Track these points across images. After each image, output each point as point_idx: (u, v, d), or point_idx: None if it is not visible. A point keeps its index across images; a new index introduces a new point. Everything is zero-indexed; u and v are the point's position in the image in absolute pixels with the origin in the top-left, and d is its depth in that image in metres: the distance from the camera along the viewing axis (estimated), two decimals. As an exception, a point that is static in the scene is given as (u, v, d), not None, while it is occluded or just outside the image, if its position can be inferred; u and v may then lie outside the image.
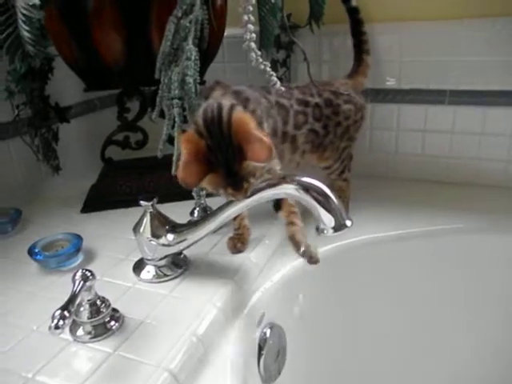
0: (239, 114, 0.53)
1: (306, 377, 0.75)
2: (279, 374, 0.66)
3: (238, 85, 0.66)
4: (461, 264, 0.82)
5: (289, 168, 0.75)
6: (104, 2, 0.73)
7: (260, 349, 0.62)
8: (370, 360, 0.82)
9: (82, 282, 0.51)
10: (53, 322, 0.45)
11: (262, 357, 0.62)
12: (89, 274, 0.52)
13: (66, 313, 0.46)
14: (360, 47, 0.87)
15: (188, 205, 0.80)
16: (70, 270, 0.67)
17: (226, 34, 0.88)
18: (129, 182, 0.90)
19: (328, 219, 0.53)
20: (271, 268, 0.70)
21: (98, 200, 0.88)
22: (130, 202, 0.84)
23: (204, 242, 0.72)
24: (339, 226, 0.53)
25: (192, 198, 0.78)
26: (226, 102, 0.55)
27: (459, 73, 0.91)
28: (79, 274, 0.51)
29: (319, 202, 0.53)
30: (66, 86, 0.96)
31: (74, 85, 0.96)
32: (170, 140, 0.74)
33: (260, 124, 0.61)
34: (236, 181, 0.53)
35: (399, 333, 0.83)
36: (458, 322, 0.85)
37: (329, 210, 0.53)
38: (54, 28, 0.74)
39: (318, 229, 0.54)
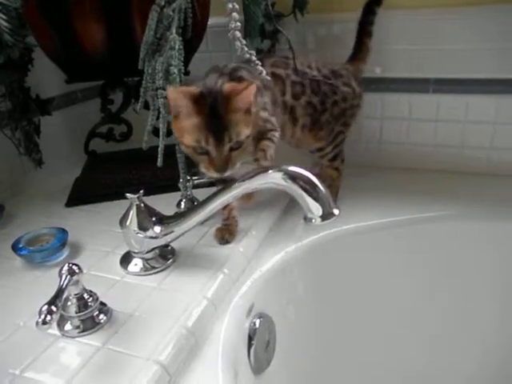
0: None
1: (296, 366, 0.75)
2: (269, 364, 0.66)
3: (234, 63, 0.68)
4: (447, 250, 0.83)
5: (290, 145, 0.77)
6: (84, -9, 0.72)
7: (250, 339, 0.62)
8: (359, 349, 0.82)
9: (68, 277, 0.50)
10: (40, 317, 0.45)
11: (252, 347, 0.62)
12: (75, 267, 0.51)
13: (53, 307, 0.45)
14: (364, 27, 0.85)
15: (174, 196, 0.79)
16: (56, 264, 0.66)
17: (209, 23, 0.87)
18: (113, 174, 0.89)
19: (316, 208, 0.53)
20: (260, 258, 0.70)
21: (83, 193, 0.87)
22: (115, 194, 0.83)
23: (191, 234, 0.71)
24: (327, 215, 0.53)
25: (178, 189, 0.77)
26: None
27: (443, 61, 0.91)
28: (66, 268, 0.51)
29: (306, 191, 0.53)
30: (46, 77, 0.93)
31: (55, 76, 0.94)
32: (155, 131, 0.73)
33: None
34: (219, 129, 0.55)
35: (389, 321, 0.84)
36: (448, 308, 0.86)
37: (316, 198, 0.53)
38: (33, 17, 0.72)
39: (305, 218, 0.54)
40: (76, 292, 0.52)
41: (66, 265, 0.51)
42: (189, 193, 0.76)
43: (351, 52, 0.87)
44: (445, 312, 0.86)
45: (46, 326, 0.44)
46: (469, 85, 0.91)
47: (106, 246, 0.71)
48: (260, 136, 0.67)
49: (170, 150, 0.70)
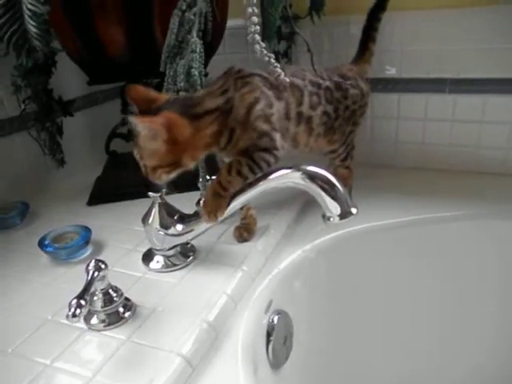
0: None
1: (312, 361, 0.76)
2: (287, 359, 0.68)
3: (250, 70, 0.66)
4: (462, 250, 0.83)
5: (303, 153, 0.75)
6: (107, -6, 0.74)
7: (268, 335, 0.63)
8: (371, 345, 0.83)
9: (95, 272, 0.52)
10: (70, 310, 0.47)
11: (271, 343, 0.63)
12: (101, 264, 0.53)
13: (82, 301, 0.47)
14: (369, 33, 0.86)
15: (194, 195, 0.81)
16: (80, 261, 0.69)
17: (226, 25, 0.89)
18: (134, 174, 0.90)
19: (334, 207, 0.54)
20: (277, 256, 0.72)
21: (104, 192, 0.89)
22: (136, 194, 0.86)
23: (211, 232, 0.73)
24: (345, 214, 0.54)
25: (198, 189, 0.79)
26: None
27: (459, 61, 0.92)
28: (92, 264, 0.53)
29: (325, 191, 0.54)
30: (68, 79, 0.96)
31: (76, 78, 0.97)
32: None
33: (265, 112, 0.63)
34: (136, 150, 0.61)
35: (403, 319, 0.85)
36: (458, 307, 0.87)
37: (335, 198, 0.54)
38: (58, 21, 0.74)
39: (324, 216, 0.55)
40: (102, 287, 0.54)
41: (93, 261, 0.53)
42: (208, 192, 0.78)
43: (355, 54, 0.87)
44: (455, 310, 0.87)
45: (75, 319, 0.46)
46: (485, 85, 0.91)
47: (127, 243, 0.73)
48: (247, 151, 0.62)
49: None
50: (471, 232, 0.83)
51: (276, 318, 0.65)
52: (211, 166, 0.78)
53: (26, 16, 0.59)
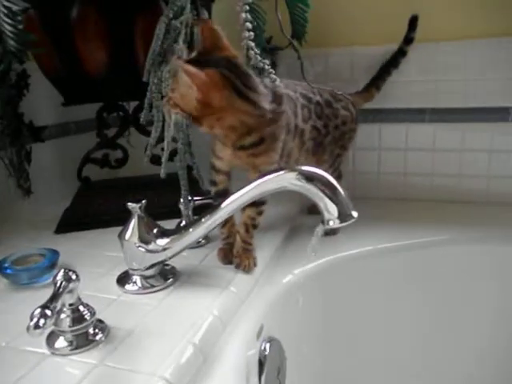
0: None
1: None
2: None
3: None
4: (447, 274, 0.82)
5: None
6: (88, 11, 0.72)
7: (261, 364, 0.56)
8: (369, 373, 0.77)
9: (63, 283, 0.45)
10: (32, 320, 0.39)
11: (264, 373, 0.56)
12: (72, 274, 0.46)
13: (47, 311, 0.40)
14: (376, 81, 0.90)
15: (173, 223, 0.75)
16: (44, 286, 0.60)
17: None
18: (107, 201, 0.84)
19: (333, 210, 0.50)
20: (267, 279, 0.66)
21: (74, 219, 0.82)
22: (109, 222, 0.79)
23: (193, 255, 0.68)
24: (345, 217, 0.50)
25: (175, 216, 0.74)
26: None
27: (438, 91, 0.93)
28: (61, 273, 0.45)
29: (324, 193, 0.50)
30: (41, 105, 0.91)
31: (49, 105, 0.93)
32: (153, 159, 0.71)
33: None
34: None
35: (395, 343, 0.81)
36: (447, 331, 0.84)
37: (335, 200, 0.50)
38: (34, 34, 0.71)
39: (323, 221, 0.51)
40: (71, 302, 0.46)
41: (62, 270, 0.46)
42: (190, 213, 0.72)
43: (360, 89, 0.90)
44: (442, 331, 0.84)
45: (38, 331, 0.39)
46: (464, 114, 0.93)
47: (100, 268, 0.65)
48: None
49: (168, 179, 0.68)
50: (458, 256, 0.82)
51: (268, 346, 0.58)
52: (193, 187, 0.73)
53: (2, 14, 0.56)
